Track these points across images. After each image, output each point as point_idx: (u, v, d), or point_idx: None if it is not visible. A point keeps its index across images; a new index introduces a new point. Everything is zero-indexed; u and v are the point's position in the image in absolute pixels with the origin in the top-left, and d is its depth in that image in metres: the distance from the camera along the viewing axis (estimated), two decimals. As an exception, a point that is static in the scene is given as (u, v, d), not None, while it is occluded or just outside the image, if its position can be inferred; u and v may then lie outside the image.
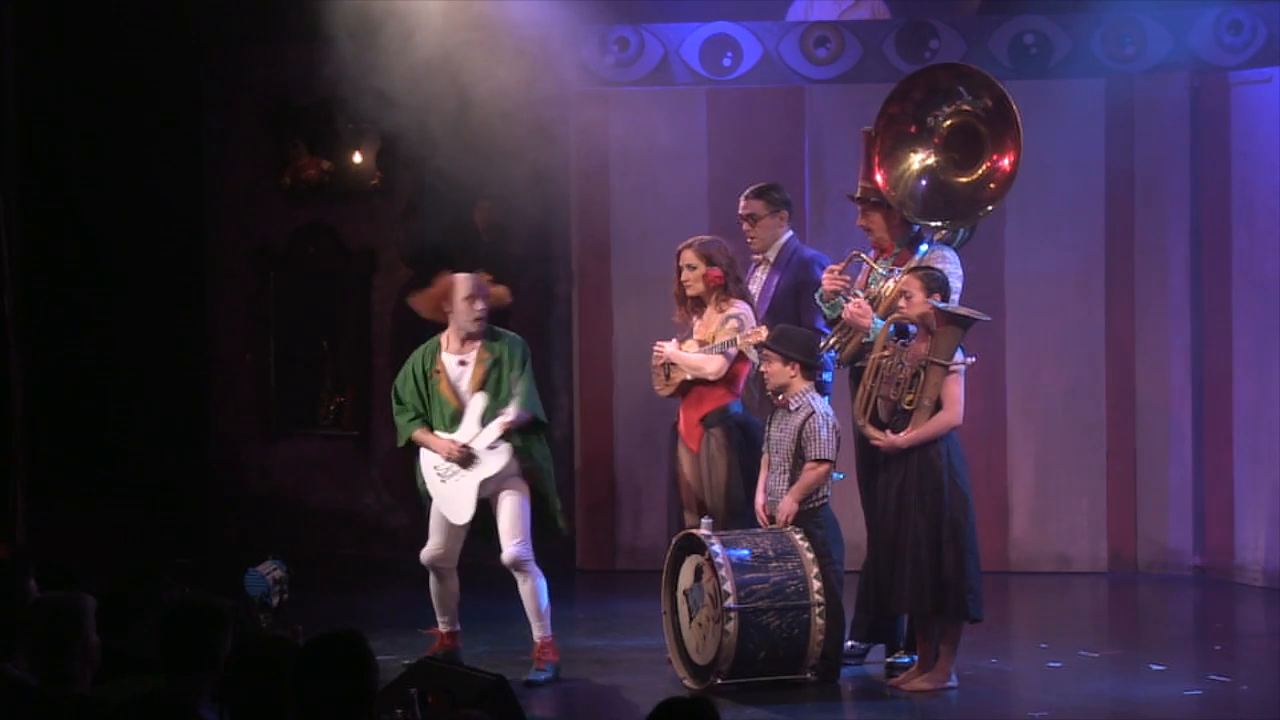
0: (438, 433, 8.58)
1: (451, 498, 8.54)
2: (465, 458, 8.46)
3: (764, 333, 8.38)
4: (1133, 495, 11.10)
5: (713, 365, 8.54)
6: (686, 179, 11.24)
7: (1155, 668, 8.67)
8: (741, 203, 9.13)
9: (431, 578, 8.68)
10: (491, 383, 8.52)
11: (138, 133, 11.97)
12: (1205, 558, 10.94)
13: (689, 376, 8.63)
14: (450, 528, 8.59)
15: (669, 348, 8.70)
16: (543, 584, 8.45)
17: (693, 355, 8.60)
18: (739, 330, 8.46)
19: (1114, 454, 11.10)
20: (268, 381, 12.53)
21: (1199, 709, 8.03)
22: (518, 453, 8.46)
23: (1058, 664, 8.78)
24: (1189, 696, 8.16)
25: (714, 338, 8.56)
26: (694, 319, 8.72)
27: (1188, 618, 10.48)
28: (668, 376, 8.73)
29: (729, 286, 8.61)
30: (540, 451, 8.59)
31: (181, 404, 12.48)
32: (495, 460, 8.45)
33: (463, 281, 8.60)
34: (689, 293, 8.70)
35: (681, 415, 8.72)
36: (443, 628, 8.75)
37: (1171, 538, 11.02)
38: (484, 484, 8.47)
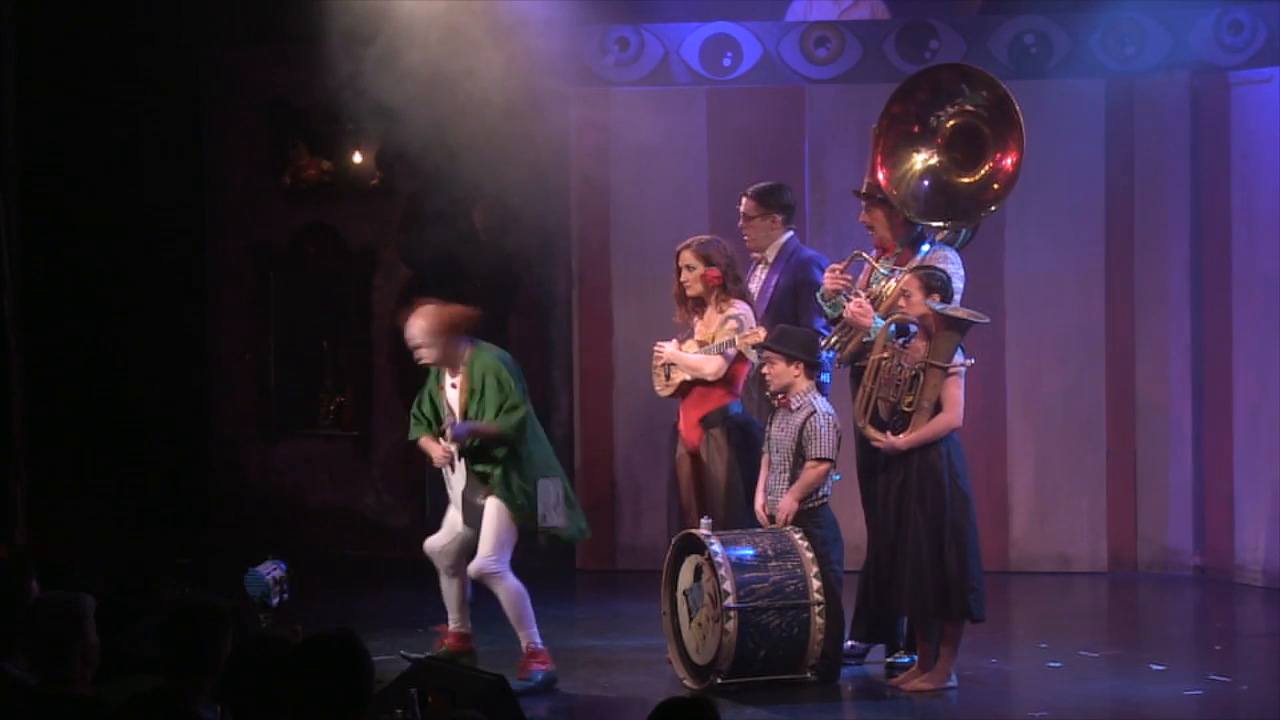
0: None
1: (454, 499, 8.61)
2: (450, 462, 8.48)
3: (762, 333, 8.37)
4: (1133, 495, 11.10)
5: (711, 366, 8.54)
6: (686, 179, 11.24)
7: (1155, 668, 8.67)
8: (741, 200, 9.13)
9: (440, 575, 8.66)
10: (472, 410, 8.44)
11: (138, 133, 11.97)
12: (1205, 558, 10.94)
13: (688, 377, 8.63)
14: (452, 529, 8.58)
15: (669, 348, 8.70)
16: (519, 593, 8.33)
17: (691, 356, 8.60)
18: (738, 330, 8.45)
19: (1114, 454, 11.10)
20: (268, 381, 12.54)
21: (1199, 709, 8.03)
22: (480, 476, 8.43)
23: (1058, 664, 8.78)
24: (1189, 696, 8.16)
25: (714, 338, 8.56)
26: (695, 319, 8.72)
27: (1188, 618, 10.48)
28: (668, 377, 8.73)
29: (728, 286, 8.60)
30: (504, 480, 8.38)
31: (181, 404, 12.49)
32: (461, 472, 8.50)
33: (413, 325, 8.49)
34: (689, 293, 8.69)
35: (681, 415, 8.72)
36: (451, 626, 8.72)
37: (1171, 538, 11.02)
38: (464, 497, 8.49)
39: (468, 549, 8.55)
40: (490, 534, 8.38)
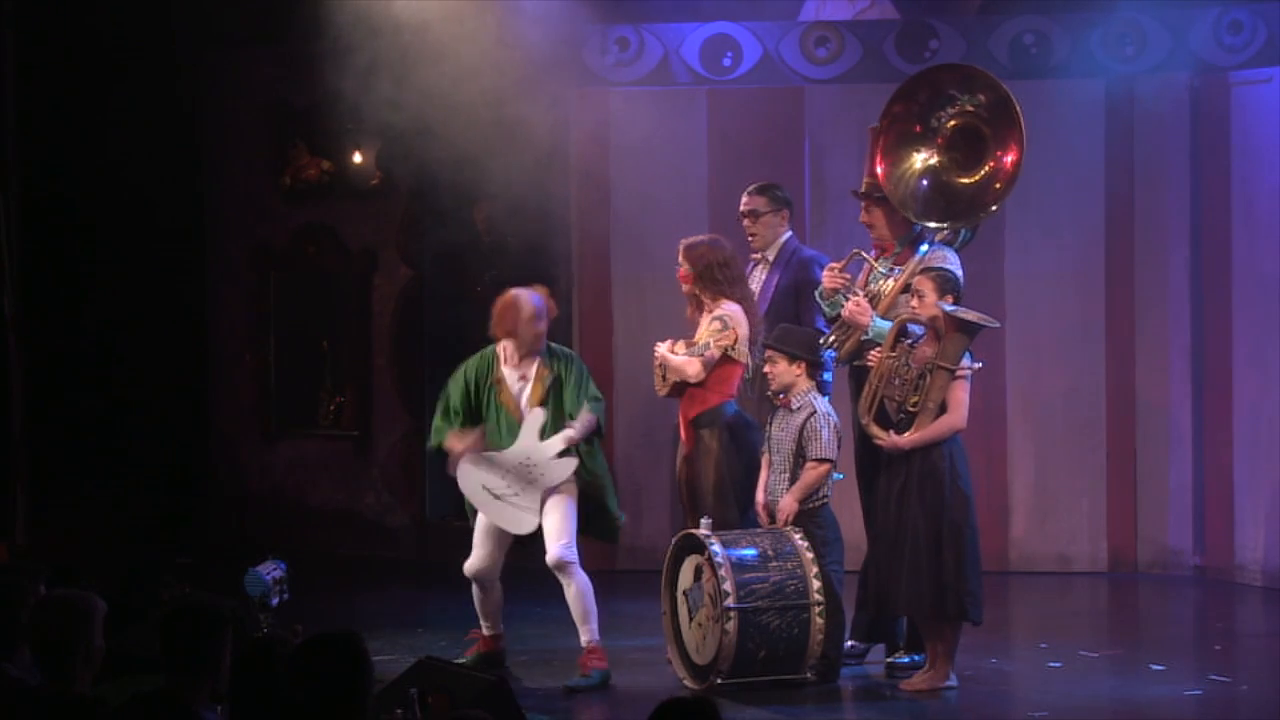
0: (490, 449, 8.52)
1: (510, 511, 8.48)
2: (527, 476, 8.44)
3: (733, 336, 8.37)
4: (1133, 495, 11.10)
5: (692, 368, 8.51)
6: (686, 179, 11.23)
7: (1155, 668, 8.67)
8: (744, 199, 9.13)
9: (475, 588, 8.63)
10: (552, 399, 8.47)
11: (138, 133, 11.97)
12: (1205, 558, 10.93)
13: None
14: (497, 539, 8.53)
15: (662, 349, 8.69)
16: (588, 587, 8.40)
17: (676, 358, 8.58)
18: (720, 331, 8.45)
19: (1114, 454, 11.10)
20: (268, 381, 12.54)
21: (1199, 709, 8.03)
22: (580, 467, 8.44)
23: (1058, 664, 8.78)
24: (1189, 696, 8.16)
25: (702, 339, 8.56)
26: (698, 317, 8.74)
27: (1188, 618, 10.48)
28: (664, 377, 8.73)
29: (708, 286, 8.57)
30: (600, 465, 8.57)
31: (181, 404, 12.49)
32: (560, 469, 8.43)
33: (525, 301, 8.52)
34: (684, 291, 8.72)
35: (680, 416, 8.72)
36: (485, 631, 8.71)
37: (1171, 538, 11.01)
38: (545, 492, 8.45)
39: (504, 557, 8.57)
40: (564, 523, 8.40)
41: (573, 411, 8.46)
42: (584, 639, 8.41)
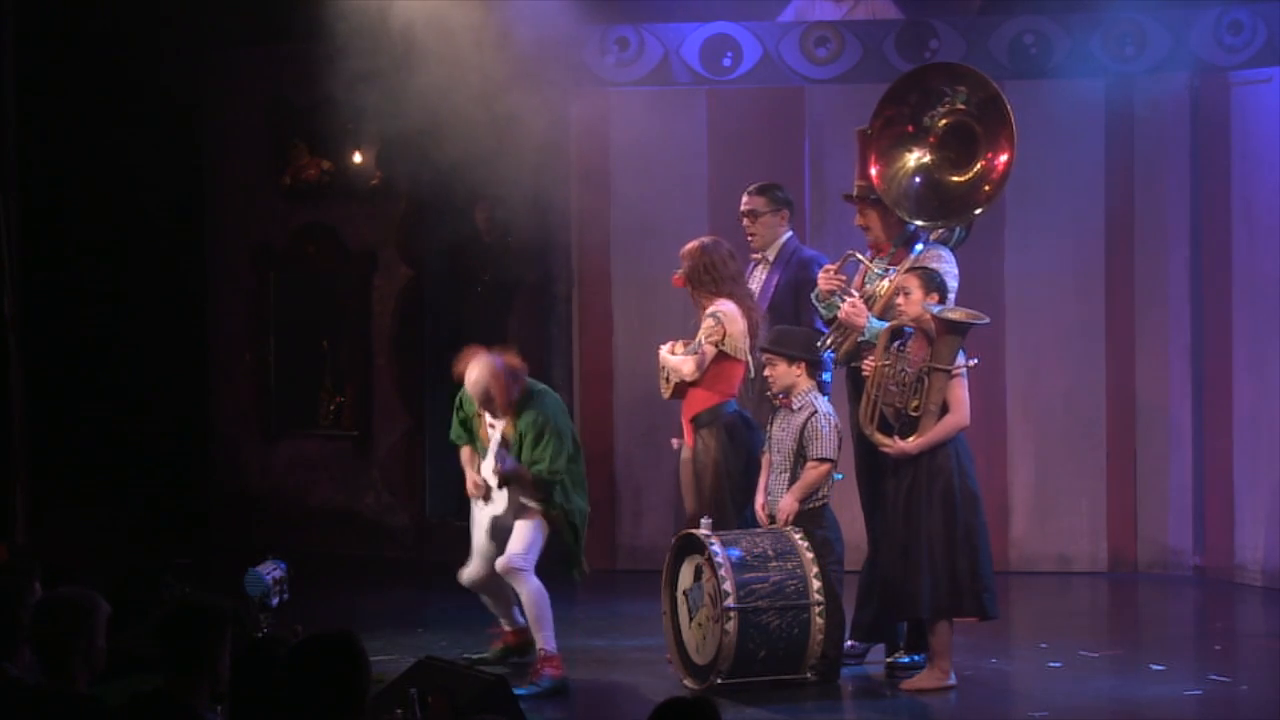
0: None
1: (480, 522, 8.64)
2: (485, 493, 8.55)
3: (724, 330, 8.38)
4: (1133, 495, 11.10)
5: (687, 367, 8.54)
6: (686, 179, 11.24)
7: (1155, 668, 8.67)
8: (744, 199, 9.14)
9: (483, 597, 8.72)
10: (513, 450, 8.42)
11: (138, 133, 11.97)
12: (1205, 558, 10.94)
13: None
14: (485, 555, 8.58)
15: (663, 350, 8.71)
16: (541, 594, 8.33)
17: (673, 358, 8.60)
18: (712, 328, 8.46)
19: (1114, 454, 11.10)
20: (268, 381, 12.53)
21: (1199, 709, 8.03)
22: (548, 501, 8.42)
23: (1058, 664, 8.78)
24: (1189, 696, 8.17)
25: (698, 338, 8.57)
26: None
27: (1188, 618, 10.48)
28: (667, 379, 8.73)
29: (699, 288, 8.57)
30: (572, 503, 8.44)
31: (181, 404, 12.49)
32: (501, 500, 8.50)
33: (482, 373, 8.37)
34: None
35: (681, 416, 8.73)
36: (506, 626, 8.75)
37: (1171, 538, 11.02)
38: (495, 520, 8.50)
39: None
40: (524, 534, 8.39)
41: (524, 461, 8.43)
42: (537, 645, 8.36)
